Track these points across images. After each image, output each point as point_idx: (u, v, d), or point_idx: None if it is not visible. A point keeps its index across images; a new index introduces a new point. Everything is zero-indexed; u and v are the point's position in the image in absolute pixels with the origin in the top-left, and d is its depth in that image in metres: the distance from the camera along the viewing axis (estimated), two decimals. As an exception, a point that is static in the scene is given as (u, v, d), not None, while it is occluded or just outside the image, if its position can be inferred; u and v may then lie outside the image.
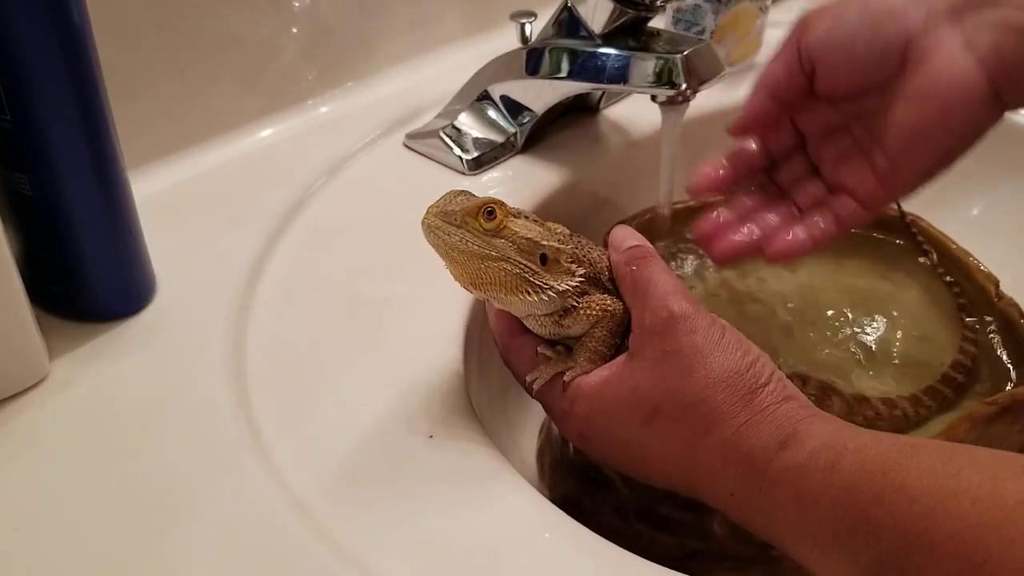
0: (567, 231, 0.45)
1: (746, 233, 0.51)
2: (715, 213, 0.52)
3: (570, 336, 0.43)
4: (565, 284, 0.41)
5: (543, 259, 0.41)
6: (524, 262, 0.41)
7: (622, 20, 0.58)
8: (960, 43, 0.44)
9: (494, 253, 0.40)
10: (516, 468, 0.43)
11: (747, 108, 0.52)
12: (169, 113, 0.61)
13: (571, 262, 0.42)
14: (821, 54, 0.49)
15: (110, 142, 0.46)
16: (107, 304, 0.49)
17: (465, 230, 0.40)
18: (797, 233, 0.50)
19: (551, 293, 0.41)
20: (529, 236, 0.41)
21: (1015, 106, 0.46)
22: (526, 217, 0.42)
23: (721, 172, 0.52)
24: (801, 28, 0.49)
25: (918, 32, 0.45)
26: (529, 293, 0.41)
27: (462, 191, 0.42)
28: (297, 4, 0.66)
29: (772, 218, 0.51)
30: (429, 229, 0.40)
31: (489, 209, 0.40)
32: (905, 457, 0.33)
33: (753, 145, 0.53)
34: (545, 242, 0.41)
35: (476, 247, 0.40)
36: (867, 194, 0.49)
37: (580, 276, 0.42)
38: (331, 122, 0.68)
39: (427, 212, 0.41)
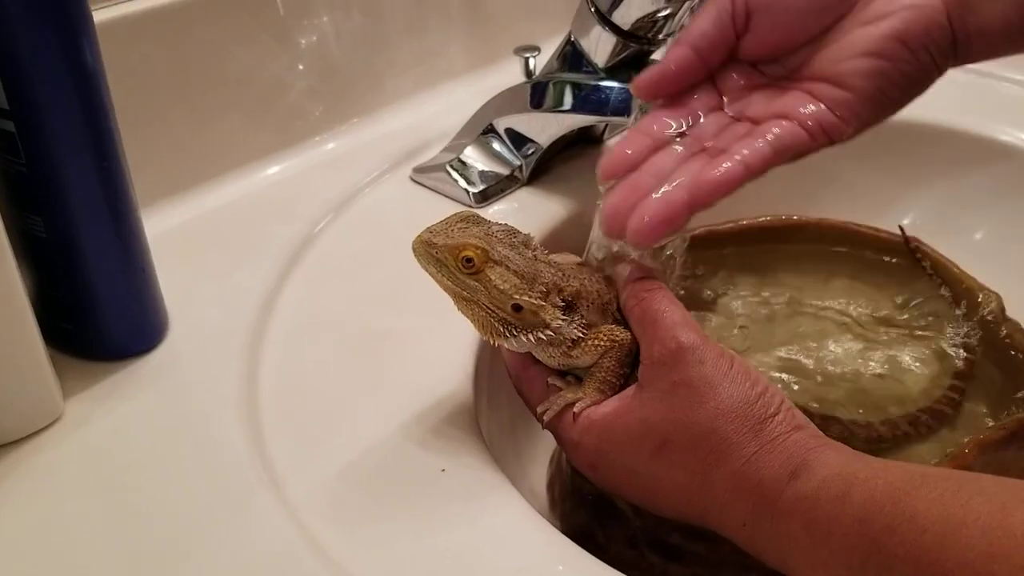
0: (576, 260, 0.45)
1: (667, 189, 0.42)
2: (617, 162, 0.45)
3: (579, 367, 0.43)
4: (539, 334, 0.42)
5: (516, 308, 0.41)
6: (493, 309, 0.41)
7: (625, 53, 0.59)
8: None
9: (466, 294, 0.41)
10: (526, 499, 0.44)
11: (666, 61, 0.46)
12: (178, 151, 0.62)
13: (560, 309, 0.42)
14: (763, 4, 0.45)
15: (124, 183, 0.46)
16: (120, 343, 0.50)
17: (443, 265, 0.41)
18: (724, 164, 0.42)
19: (523, 339, 0.42)
20: (502, 288, 0.41)
21: (963, 54, 0.44)
22: (507, 267, 0.41)
23: (633, 150, 0.45)
24: None
25: None
26: (499, 336, 0.42)
27: (466, 217, 0.43)
28: (304, 42, 0.67)
29: (695, 165, 0.43)
30: (415, 254, 0.42)
31: (467, 257, 0.41)
32: (915, 486, 0.33)
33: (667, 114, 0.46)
34: (517, 296, 0.41)
35: (451, 284, 0.42)
36: (813, 118, 0.43)
37: (558, 323, 0.41)
38: (338, 158, 0.69)
39: (418, 235, 0.42)
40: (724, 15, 0.45)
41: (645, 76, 0.46)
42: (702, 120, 0.46)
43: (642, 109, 0.48)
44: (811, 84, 0.44)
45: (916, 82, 0.45)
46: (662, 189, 0.42)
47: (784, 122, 0.43)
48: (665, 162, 0.44)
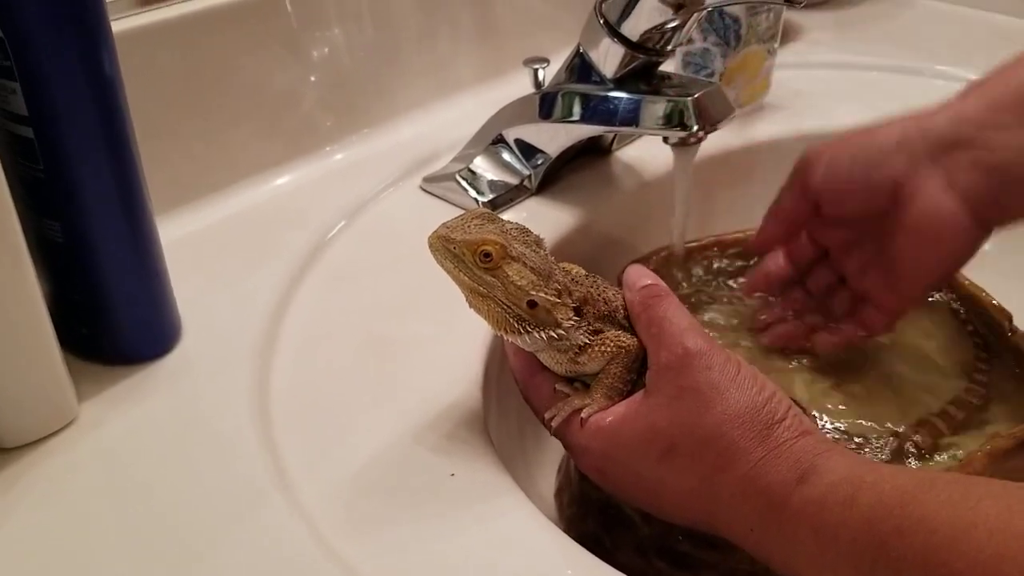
0: (583, 272, 0.46)
1: (793, 332, 0.60)
2: (767, 310, 0.62)
3: (586, 373, 0.44)
4: (551, 332, 0.42)
5: (531, 304, 0.42)
6: (509, 305, 0.42)
7: (633, 65, 0.60)
8: (941, 183, 0.50)
9: (482, 289, 0.42)
10: (535, 506, 0.44)
11: (761, 232, 0.59)
12: (192, 160, 0.63)
13: (572, 309, 0.42)
14: (823, 192, 0.55)
15: (139, 189, 0.47)
16: (135, 347, 0.50)
17: (460, 260, 0.41)
18: (834, 336, 0.59)
19: (536, 335, 0.42)
20: (519, 284, 0.41)
21: (1000, 226, 0.52)
22: (524, 264, 0.42)
23: (762, 282, 0.60)
24: (804, 167, 0.55)
25: (903, 176, 0.51)
26: (512, 332, 0.42)
27: (481, 214, 0.43)
28: (316, 53, 0.68)
29: (813, 319, 0.60)
30: (432, 248, 0.42)
31: (486, 252, 0.41)
32: (923, 490, 0.33)
33: (780, 261, 0.60)
34: (534, 292, 0.41)
35: (467, 279, 0.42)
36: (885, 304, 0.56)
37: (570, 323, 0.42)
38: (350, 167, 0.69)
39: (435, 231, 0.42)
40: (799, 195, 0.56)
41: (751, 244, 0.61)
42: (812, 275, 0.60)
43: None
44: (885, 270, 0.55)
45: (963, 261, 0.54)
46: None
47: (874, 312, 0.57)
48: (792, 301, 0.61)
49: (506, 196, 0.66)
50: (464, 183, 0.66)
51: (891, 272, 0.54)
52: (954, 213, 0.50)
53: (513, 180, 0.67)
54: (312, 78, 0.68)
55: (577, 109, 0.62)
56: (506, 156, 0.67)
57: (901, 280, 0.54)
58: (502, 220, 0.43)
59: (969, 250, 0.53)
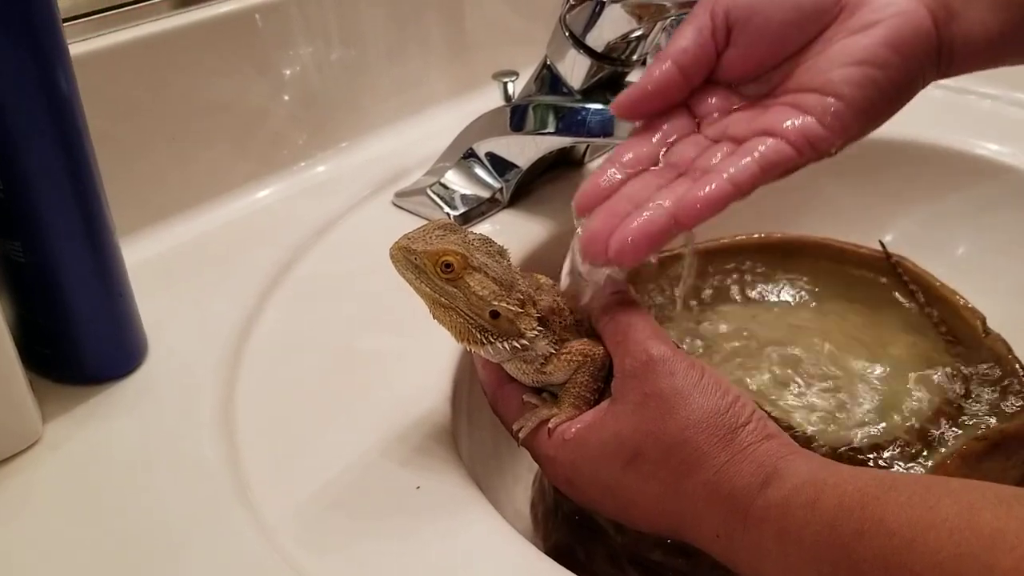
0: (550, 281, 0.46)
1: (650, 209, 0.40)
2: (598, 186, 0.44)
3: (554, 383, 0.43)
4: (514, 342, 0.42)
5: (494, 314, 0.42)
6: (471, 315, 0.42)
7: (600, 75, 0.60)
8: None
9: (444, 300, 0.42)
10: (510, 519, 0.43)
11: (648, 79, 0.44)
12: (161, 180, 0.63)
13: (536, 319, 0.42)
14: (743, 17, 0.44)
15: (100, 208, 0.47)
16: (98, 366, 0.50)
17: (422, 271, 0.41)
18: (711, 183, 0.40)
19: (499, 346, 0.42)
20: (481, 294, 0.41)
21: (946, 63, 0.44)
22: (486, 274, 0.41)
23: (607, 180, 0.44)
24: None
25: None
26: (475, 343, 0.42)
27: (443, 225, 0.43)
28: (288, 72, 0.68)
29: (678, 187, 0.42)
30: (393, 259, 0.42)
31: (447, 263, 0.41)
32: (884, 491, 0.33)
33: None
34: (496, 302, 0.41)
35: (428, 290, 0.42)
36: (799, 131, 0.41)
37: (533, 333, 0.42)
38: (321, 184, 0.69)
39: (396, 242, 0.42)
40: (704, 30, 0.44)
41: (624, 95, 0.45)
42: (678, 145, 0.44)
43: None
44: (797, 96, 0.43)
45: (902, 93, 0.44)
46: (644, 211, 0.40)
47: (769, 139, 0.41)
48: (642, 187, 0.43)
49: (478, 209, 0.66)
50: (436, 198, 0.66)
51: (818, 93, 0.42)
52: (915, 6, 0.43)
53: (485, 193, 0.66)
54: (283, 96, 0.68)
55: (546, 120, 0.62)
56: (478, 170, 0.67)
57: (841, 90, 0.42)
58: (464, 230, 0.43)
59: (921, 66, 0.43)
